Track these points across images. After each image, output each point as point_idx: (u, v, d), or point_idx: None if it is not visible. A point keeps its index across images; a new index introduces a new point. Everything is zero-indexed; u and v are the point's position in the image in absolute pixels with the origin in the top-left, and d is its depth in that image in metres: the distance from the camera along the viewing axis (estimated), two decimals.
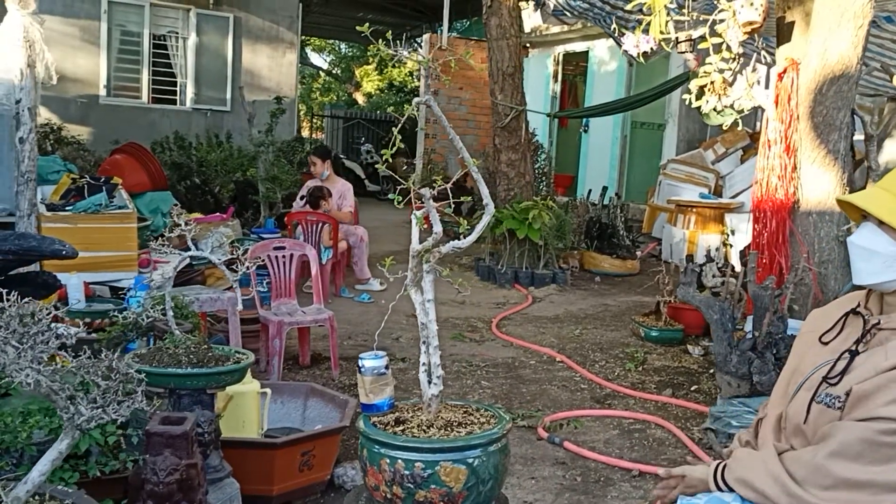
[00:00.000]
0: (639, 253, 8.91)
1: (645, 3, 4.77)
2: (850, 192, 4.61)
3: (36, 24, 3.77)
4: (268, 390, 3.23)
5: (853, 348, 1.72)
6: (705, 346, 5.56)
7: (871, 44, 5.74)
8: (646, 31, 4.70)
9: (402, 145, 10.40)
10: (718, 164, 9.90)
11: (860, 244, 1.74)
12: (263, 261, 4.67)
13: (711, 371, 5.06)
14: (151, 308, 3.05)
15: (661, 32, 4.75)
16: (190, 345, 2.70)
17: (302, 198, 7.13)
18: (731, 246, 6.17)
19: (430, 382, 1.98)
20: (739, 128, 9.68)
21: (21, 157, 3.91)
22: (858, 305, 1.80)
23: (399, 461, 1.82)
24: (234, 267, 2.92)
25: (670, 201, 9.56)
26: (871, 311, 1.77)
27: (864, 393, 1.62)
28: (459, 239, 2.04)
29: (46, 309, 1.66)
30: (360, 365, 2.01)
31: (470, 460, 1.84)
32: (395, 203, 1.92)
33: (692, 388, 4.74)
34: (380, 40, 2.03)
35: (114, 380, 1.75)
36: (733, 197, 9.29)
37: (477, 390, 4.65)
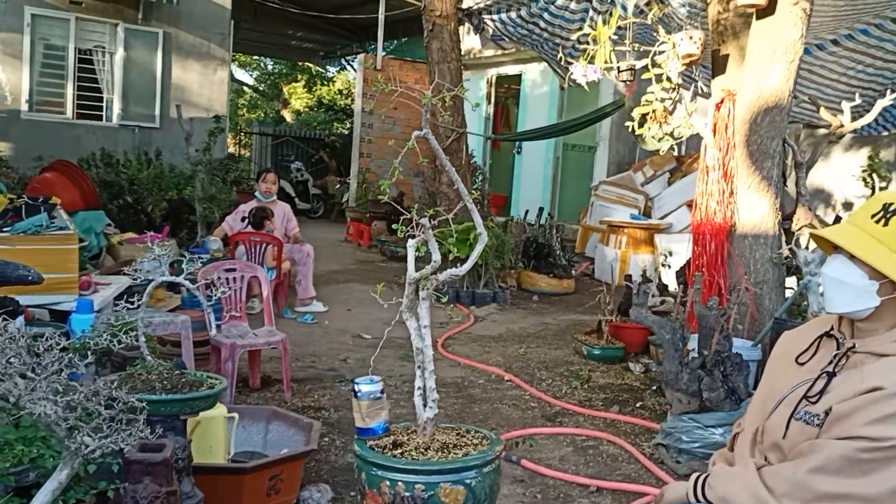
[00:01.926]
0: (573, 272, 9.12)
1: (590, 35, 4.96)
2: (782, 216, 4.89)
3: None
4: (235, 415, 3.21)
5: (830, 369, 1.85)
6: (646, 364, 5.75)
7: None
8: (591, 61, 4.89)
9: (334, 164, 10.51)
10: (647, 186, 10.26)
11: (832, 276, 1.87)
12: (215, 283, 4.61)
13: (654, 388, 5.24)
14: (109, 333, 3.00)
15: (606, 62, 4.95)
16: (162, 371, 2.68)
17: (243, 219, 7.05)
18: (668, 266, 6.40)
19: (425, 406, 2.03)
20: (668, 151, 10.10)
21: None
22: (832, 329, 1.94)
23: (399, 483, 1.87)
24: (214, 290, 2.90)
25: (602, 222, 9.85)
26: (844, 335, 1.91)
27: (844, 413, 1.75)
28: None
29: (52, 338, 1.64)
30: (357, 390, 2.05)
31: (468, 481, 1.90)
32: (399, 233, 1.96)
33: (637, 405, 4.90)
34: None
35: (116, 409, 1.75)
36: (662, 218, 9.64)
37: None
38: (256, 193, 7.40)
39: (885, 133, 8.83)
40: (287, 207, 7.47)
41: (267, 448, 3.50)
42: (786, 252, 4.82)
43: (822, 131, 9.04)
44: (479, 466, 1.94)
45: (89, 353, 3.12)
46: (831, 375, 1.87)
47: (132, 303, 2.95)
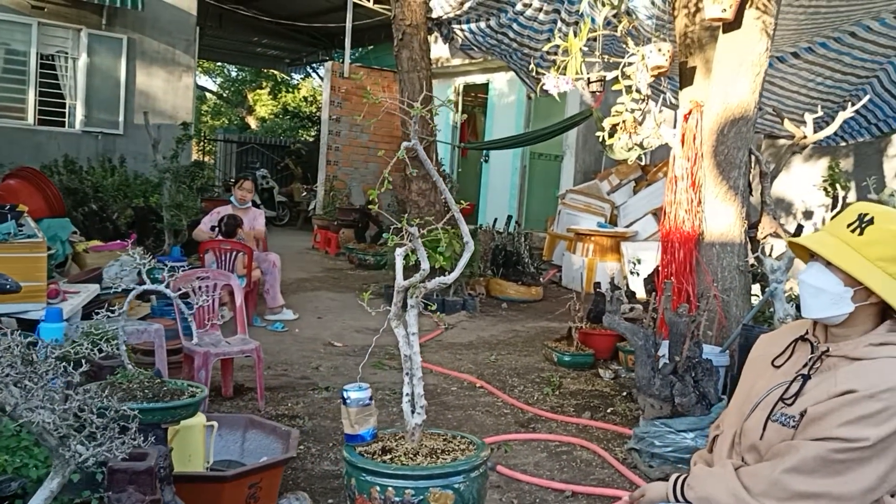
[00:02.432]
0: (541, 280, 9.21)
1: (561, 46, 5.04)
2: (748, 224, 5.00)
3: None
4: (214, 423, 3.20)
5: (805, 372, 1.92)
6: (615, 370, 5.83)
7: None
8: (563, 72, 4.96)
9: (300, 171, 10.49)
10: (613, 194, 10.40)
11: (809, 282, 1.94)
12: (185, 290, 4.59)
13: (624, 393, 5.32)
14: (90, 341, 2.98)
15: (576, 73, 5.02)
16: (143, 379, 2.67)
17: (213, 228, 7.01)
18: (637, 274, 6.51)
19: (413, 412, 2.06)
20: (630, 161, 10.27)
21: None
22: (807, 333, 2.01)
23: (389, 489, 1.89)
24: (195, 298, 2.89)
25: (570, 230, 9.96)
26: (819, 339, 1.98)
27: (819, 415, 1.82)
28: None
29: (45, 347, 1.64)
30: (346, 397, 2.07)
31: (456, 485, 1.93)
32: (389, 242, 1.99)
33: (608, 410, 4.97)
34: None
35: (108, 417, 1.75)
36: (628, 226, 9.78)
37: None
38: (232, 199, 7.37)
39: (843, 143, 9.07)
40: (259, 213, 7.45)
41: (244, 456, 3.49)
42: (752, 260, 4.94)
43: (782, 142, 9.28)
44: (468, 471, 1.97)
45: (70, 362, 3.12)
46: (806, 378, 1.93)
47: (113, 311, 2.94)
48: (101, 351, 2.85)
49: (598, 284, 6.49)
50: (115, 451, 1.63)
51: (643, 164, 10.62)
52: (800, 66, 7.51)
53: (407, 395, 2.10)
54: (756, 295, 5.22)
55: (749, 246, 5.02)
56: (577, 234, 9.71)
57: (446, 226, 7.23)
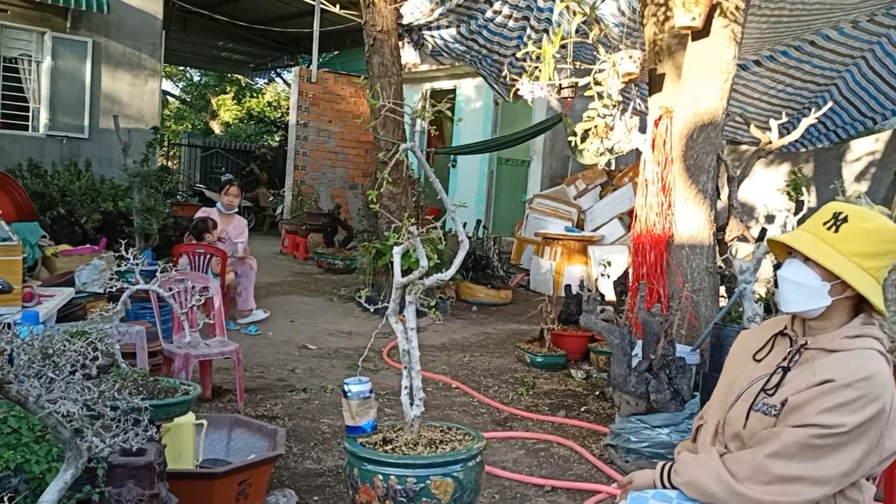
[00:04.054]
0: (510, 283, 9.32)
1: (534, 52, 5.15)
2: (716, 227, 5.15)
3: None
4: (203, 422, 3.23)
5: (785, 365, 2.04)
6: (587, 370, 5.95)
7: None
8: (537, 78, 5.07)
9: (265, 176, 10.47)
10: (580, 199, 10.56)
11: (788, 277, 2.06)
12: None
13: (597, 393, 5.44)
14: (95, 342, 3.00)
15: (549, 79, 5.13)
16: (137, 377, 2.71)
17: (191, 228, 7.01)
18: (607, 276, 6.64)
19: (412, 404, 2.13)
20: (600, 166, 10.42)
21: None
22: (786, 328, 2.13)
23: (392, 477, 1.96)
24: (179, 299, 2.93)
25: (538, 234, 10.10)
26: (797, 333, 2.10)
27: (799, 403, 1.94)
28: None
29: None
30: (346, 390, 2.13)
31: (456, 473, 2.01)
32: (391, 239, 2.06)
33: (582, 409, 5.08)
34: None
35: (122, 410, 1.80)
36: (595, 230, 9.95)
37: (382, 419, 4.75)
38: (218, 205, 7.37)
39: (803, 150, 9.35)
40: (244, 223, 7.46)
41: (230, 455, 3.52)
42: (720, 262, 5.09)
43: (745, 148, 9.52)
44: (466, 460, 2.05)
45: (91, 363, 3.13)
46: (786, 370, 2.05)
47: (94, 310, 2.97)
48: (96, 349, 2.90)
49: (568, 287, 6.61)
50: (130, 442, 1.67)
51: (609, 169, 10.80)
52: (762, 73, 7.74)
53: (406, 387, 2.17)
54: (723, 296, 5.38)
55: (717, 248, 5.17)
56: (544, 239, 9.84)
57: (421, 231, 7.28)
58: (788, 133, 6.50)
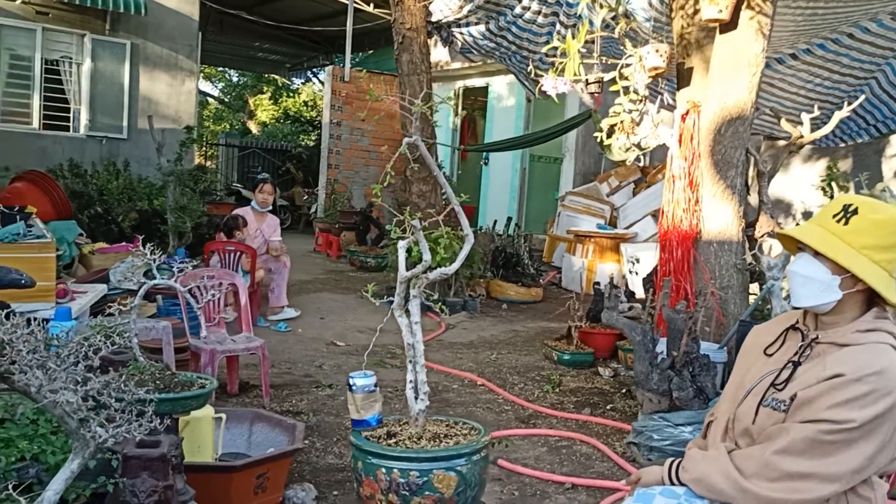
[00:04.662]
0: (541, 281, 9.28)
1: (559, 48, 5.12)
2: (745, 223, 5.08)
3: None
4: (222, 415, 3.27)
5: (795, 359, 2.00)
6: (614, 368, 5.90)
7: None
8: (561, 73, 5.04)
9: (301, 175, 10.57)
10: (613, 196, 10.48)
11: (798, 272, 2.02)
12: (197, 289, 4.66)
13: (623, 391, 5.39)
14: (102, 334, 3.06)
15: (574, 74, 5.10)
16: (154, 371, 2.75)
17: (222, 226, 7.11)
18: (636, 274, 6.58)
19: (416, 398, 2.13)
20: (636, 162, 10.31)
21: None
22: (797, 322, 2.09)
23: (395, 470, 1.96)
24: (201, 295, 2.97)
25: (569, 231, 10.04)
26: (809, 328, 2.06)
27: (808, 398, 1.89)
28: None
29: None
30: (352, 383, 2.14)
31: (459, 468, 2.01)
32: (392, 234, 2.06)
33: (608, 407, 5.04)
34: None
35: (127, 401, 1.83)
36: (627, 227, 9.86)
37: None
38: (252, 203, 7.46)
39: (843, 144, 9.15)
40: (277, 221, 7.54)
41: (251, 449, 3.56)
42: (749, 258, 5.01)
43: (782, 143, 9.34)
44: (470, 454, 2.04)
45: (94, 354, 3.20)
46: (797, 365, 2.01)
47: (124, 305, 3.02)
48: (113, 343, 2.95)
49: (597, 284, 6.55)
50: (133, 433, 1.70)
51: (642, 165, 10.70)
52: (798, 67, 7.58)
53: (410, 381, 2.17)
54: (754, 293, 5.29)
55: (747, 244, 5.09)
56: (576, 236, 9.78)
57: (447, 227, 7.27)
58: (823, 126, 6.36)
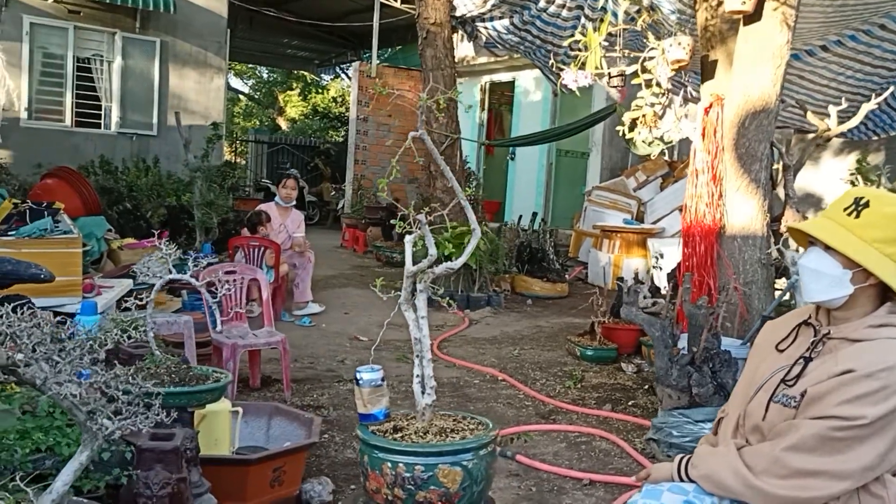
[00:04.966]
0: (567, 276, 9.24)
1: (581, 41, 5.08)
2: (770, 218, 5.00)
3: None
4: (239, 409, 3.31)
5: (807, 355, 1.97)
6: (638, 364, 5.86)
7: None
8: (582, 67, 5.00)
9: (329, 171, 10.65)
10: (640, 191, 10.39)
11: (809, 266, 1.98)
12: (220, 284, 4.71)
13: (646, 387, 5.35)
14: (119, 328, 3.10)
15: (596, 68, 5.06)
16: (170, 364, 2.78)
17: (246, 221, 7.18)
18: (660, 269, 6.52)
19: (423, 392, 2.14)
20: (661, 156, 10.21)
21: None
22: (810, 318, 2.05)
23: (400, 465, 1.97)
24: (213, 289, 3.00)
25: (596, 226, 9.97)
26: (821, 323, 2.02)
27: (819, 394, 1.86)
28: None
29: None
30: (359, 378, 2.15)
31: (465, 463, 2.00)
32: (396, 228, 2.07)
33: (629, 403, 5.01)
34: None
35: (134, 394, 1.85)
36: (655, 222, 9.77)
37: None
38: (276, 199, 7.52)
39: (875, 138, 8.98)
40: (301, 216, 7.59)
41: (269, 443, 3.59)
42: (774, 253, 4.94)
43: (811, 136, 9.19)
44: (476, 449, 2.04)
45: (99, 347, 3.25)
46: (808, 360, 1.98)
47: (141, 299, 3.07)
48: (130, 337, 2.99)
49: (620, 279, 6.50)
50: (138, 425, 1.72)
51: (670, 160, 10.59)
52: (829, 59, 7.45)
53: (417, 376, 2.17)
54: (779, 289, 5.21)
55: (772, 239, 5.02)
56: (603, 231, 9.71)
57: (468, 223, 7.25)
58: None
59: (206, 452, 3.09)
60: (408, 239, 2.12)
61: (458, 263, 2.15)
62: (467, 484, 2.00)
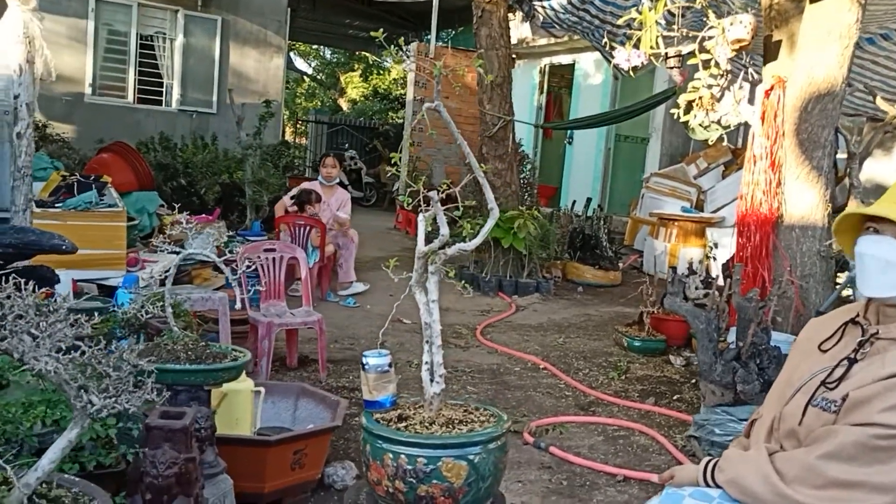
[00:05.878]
0: (621, 265, 9.00)
1: (636, 19, 4.86)
2: (833, 209, 4.73)
3: (36, 20, 3.78)
4: (261, 389, 3.25)
5: (852, 356, 1.79)
6: (687, 357, 5.64)
7: (853, 65, 5.89)
8: (636, 46, 4.79)
9: (388, 152, 10.58)
10: (700, 178, 10.05)
11: (879, 255, 1.78)
12: (253, 263, 4.68)
13: (693, 381, 5.14)
14: (146, 305, 3.08)
15: (651, 48, 4.84)
16: (188, 342, 2.73)
17: (292, 197, 7.14)
18: (714, 259, 6.27)
19: (432, 381, 2.03)
20: (723, 143, 9.85)
21: (18, 153, 3.90)
22: (857, 316, 1.87)
23: (402, 456, 1.87)
24: (233, 266, 2.95)
25: (653, 214, 9.69)
26: (870, 322, 1.84)
27: (862, 399, 1.69)
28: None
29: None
30: (364, 362, 2.05)
31: (471, 457, 1.89)
32: (405, 205, 1.96)
33: (674, 398, 4.82)
34: (392, 46, 2.05)
35: (124, 371, 1.79)
36: (715, 211, 9.44)
37: (463, 395, 4.68)
38: (319, 178, 7.49)
39: None
40: (346, 195, 7.54)
41: (296, 424, 3.54)
42: (835, 245, 4.67)
43: (880, 124, 8.74)
44: (484, 443, 1.93)
45: (127, 325, 3.24)
46: (853, 362, 1.81)
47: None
48: (147, 313, 2.95)
49: (673, 269, 6.27)
50: (124, 404, 1.65)
51: (733, 147, 10.22)
52: None
53: (426, 363, 2.06)
54: (839, 283, 4.94)
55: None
56: (660, 219, 9.42)
57: (520, 207, 7.10)
58: None
59: (227, 432, 3.04)
60: (420, 218, 2.01)
61: (471, 245, 2.04)
62: (473, 479, 1.89)
